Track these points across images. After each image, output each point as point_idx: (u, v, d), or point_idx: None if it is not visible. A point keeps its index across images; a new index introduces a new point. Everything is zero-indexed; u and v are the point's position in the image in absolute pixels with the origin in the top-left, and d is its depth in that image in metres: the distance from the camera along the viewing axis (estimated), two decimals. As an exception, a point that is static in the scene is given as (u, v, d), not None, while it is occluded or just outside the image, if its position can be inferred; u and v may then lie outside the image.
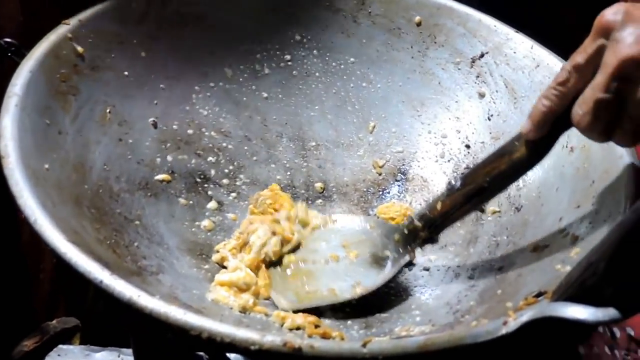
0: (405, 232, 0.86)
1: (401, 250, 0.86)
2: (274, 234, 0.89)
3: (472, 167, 0.83)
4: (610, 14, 0.67)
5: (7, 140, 0.72)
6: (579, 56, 0.69)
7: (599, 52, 0.67)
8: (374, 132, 1.03)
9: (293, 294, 0.85)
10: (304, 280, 0.87)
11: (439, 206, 0.83)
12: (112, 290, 0.62)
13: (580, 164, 0.83)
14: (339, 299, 0.84)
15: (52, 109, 0.81)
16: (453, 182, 0.82)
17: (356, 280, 0.85)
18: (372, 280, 0.85)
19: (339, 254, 0.89)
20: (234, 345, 0.59)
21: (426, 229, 0.85)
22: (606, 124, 0.68)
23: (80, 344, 1.07)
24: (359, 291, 0.84)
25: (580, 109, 0.69)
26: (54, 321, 1.04)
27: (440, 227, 0.85)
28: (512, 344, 0.62)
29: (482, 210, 0.87)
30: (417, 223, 0.85)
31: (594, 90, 0.67)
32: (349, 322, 0.82)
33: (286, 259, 0.89)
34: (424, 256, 0.91)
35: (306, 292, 0.85)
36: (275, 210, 0.93)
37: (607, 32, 0.66)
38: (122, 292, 0.61)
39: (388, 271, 0.86)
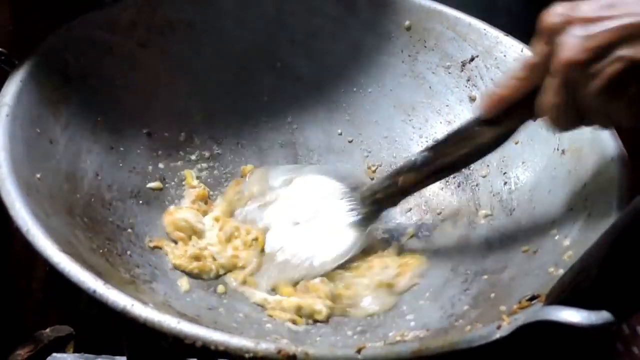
0: (368, 202, 0.90)
1: (363, 218, 0.90)
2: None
3: (435, 146, 0.85)
4: (550, 18, 0.68)
5: (-1, 150, 0.72)
6: (532, 56, 0.72)
7: (549, 54, 0.69)
8: (365, 137, 1.03)
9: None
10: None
11: (400, 180, 0.87)
12: (106, 299, 0.62)
13: (572, 166, 0.84)
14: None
15: (43, 118, 0.81)
16: (415, 159, 0.85)
17: (325, 253, 0.88)
18: (339, 250, 0.89)
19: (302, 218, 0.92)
20: (228, 353, 0.59)
21: (387, 199, 0.90)
22: (571, 120, 0.71)
23: (74, 352, 1.06)
24: (328, 267, 0.88)
25: (542, 109, 0.72)
26: (48, 330, 1.04)
27: (400, 199, 0.90)
28: (509, 347, 0.62)
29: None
30: (379, 195, 0.89)
31: (549, 94, 0.70)
32: (344, 327, 0.83)
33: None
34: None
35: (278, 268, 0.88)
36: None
37: (551, 36, 0.68)
38: (115, 302, 0.62)
39: (355, 242, 0.90)
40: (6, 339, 1.01)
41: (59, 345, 1.04)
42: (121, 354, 1.03)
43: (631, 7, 0.64)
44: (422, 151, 0.86)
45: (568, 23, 0.66)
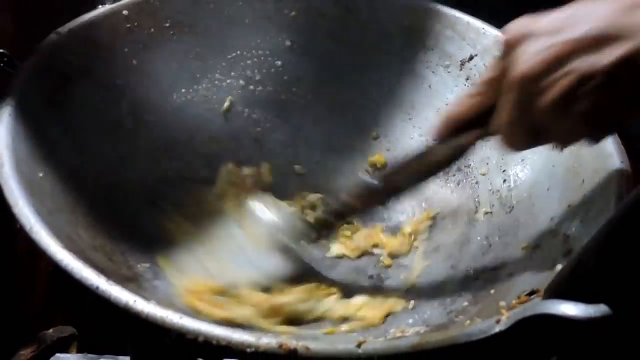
0: (317, 225, 0.86)
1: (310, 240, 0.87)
2: None
3: (393, 169, 0.84)
4: (510, 32, 0.66)
5: (2, 150, 0.73)
6: (491, 72, 0.70)
7: (505, 70, 0.67)
8: (365, 136, 1.04)
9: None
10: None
11: (354, 203, 0.84)
12: (109, 296, 0.62)
13: (571, 163, 0.84)
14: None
15: (45, 118, 0.82)
16: (371, 181, 0.82)
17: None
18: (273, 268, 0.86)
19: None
20: (230, 348, 0.60)
21: (338, 220, 0.87)
22: (525, 138, 0.68)
23: (77, 352, 1.07)
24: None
25: (496, 127, 0.70)
26: (51, 330, 1.04)
27: (349, 218, 0.90)
28: (508, 342, 0.62)
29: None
30: (330, 218, 0.86)
31: (502, 112, 0.68)
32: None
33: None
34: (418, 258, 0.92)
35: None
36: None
37: (508, 51, 0.66)
38: (118, 298, 0.62)
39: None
40: (9, 340, 1.02)
41: (62, 346, 1.04)
42: (124, 354, 1.03)
43: (587, 18, 0.61)
44: (381, 175, 0.85)
45: (525, 37, 0.64)
